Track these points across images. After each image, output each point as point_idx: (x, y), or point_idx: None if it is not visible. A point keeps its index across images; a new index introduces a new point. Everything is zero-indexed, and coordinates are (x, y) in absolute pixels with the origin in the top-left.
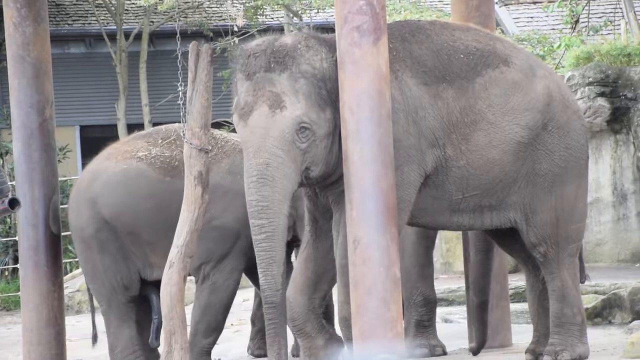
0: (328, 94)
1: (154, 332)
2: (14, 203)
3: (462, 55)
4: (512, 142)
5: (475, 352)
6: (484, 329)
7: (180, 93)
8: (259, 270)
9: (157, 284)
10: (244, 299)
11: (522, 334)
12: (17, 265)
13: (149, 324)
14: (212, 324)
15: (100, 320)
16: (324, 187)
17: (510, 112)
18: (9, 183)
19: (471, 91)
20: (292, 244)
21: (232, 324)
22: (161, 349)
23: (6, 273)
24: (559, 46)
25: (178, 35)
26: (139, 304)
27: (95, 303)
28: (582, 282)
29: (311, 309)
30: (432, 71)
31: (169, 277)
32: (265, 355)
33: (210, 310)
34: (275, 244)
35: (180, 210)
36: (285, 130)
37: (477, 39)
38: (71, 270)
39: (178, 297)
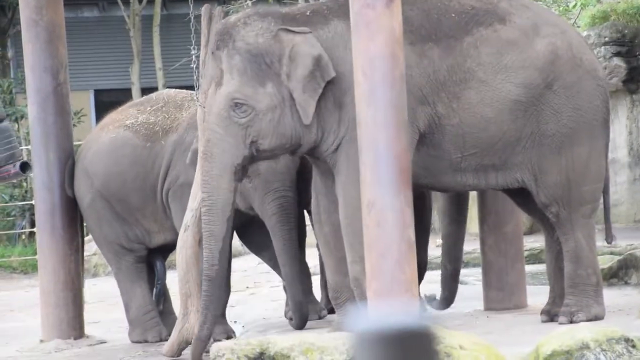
0: (268, 67)
1: (156, 297)
2: (25, 167)
3: (453, 15)
4: (506, 100)
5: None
6: (452, 296)
7: (194, 57)
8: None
9: (161, 250)
10: (259, 262)
11: (537, 295)
12: (34, 229)
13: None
14: None
15: (114, 283)
16: (316, 157)
17: (503, 70)
18: (23, 147)
19: (459, 50)
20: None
21: (247, 287)
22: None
23: (23, 237)
24: (574, 6)
25: None
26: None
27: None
28: (609, 243)
29: (349, 287)
30: (418, 30)
31: (184, 240)
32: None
33: None
34: (214, 217)
35: (160, 173)
36: (221, 107)
37: None
38: (87, 234)
39: (193, 260)
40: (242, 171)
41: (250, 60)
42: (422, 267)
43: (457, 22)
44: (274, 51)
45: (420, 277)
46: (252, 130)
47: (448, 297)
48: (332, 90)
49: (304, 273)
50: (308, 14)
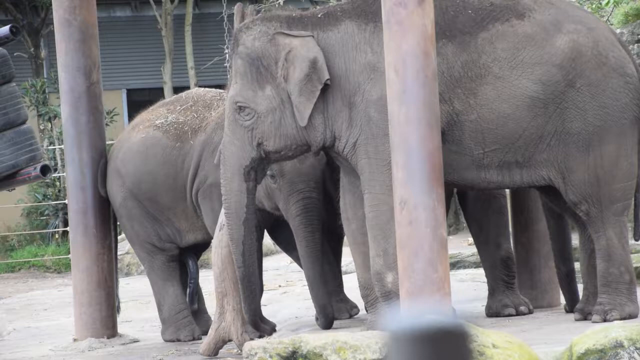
0: (266, 70)
1: (189, 296)
2: (45, 170)
3: (470, 11)
4: (523, 96)
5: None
6: (573, 296)
7: (227, 56)
8: None
9: (194, 249)
10: (291, 261)
11: None
12: (67, 228)
13: (186, 288)
14: None
15: (146, 282)
16: (337, 156)
17: (519, 66)
18: (57, 147)
19: (473, 46)
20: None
21: (279, 286)
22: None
23: (56, 236)
24: (607, 3)
25: None
26: (180, 268)
27: (139, 268)
28: (637, 240)
29: None
30: None
31: (220, 240)
32: None
33: None
34: (230, 220)
35: (190, 173)
36: (228, 111)
37: None
38: (120, 233)
39: (229, 259)
40: (255, 173)
41: (250, 63)
42: (510, 259)
43: (473, 19)
44: (270, 54)
45: (511, 272)
46: (257, 132)
47: (570, 298)
48: (341, 91)
49: (332, 272)
50: (320, 16)
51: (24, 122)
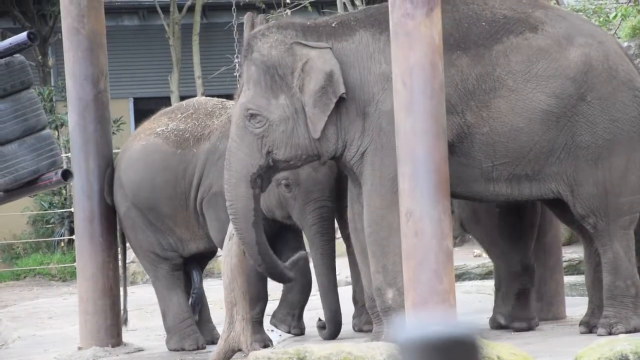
0: (281, 79)
1: (192, 305)
2: (66, 175)
3: (484, 23)
4: (537, 110)
5: None
6: None
7: (237, 65)
8: None
9: (198, 259)
10: None
11: (576, 306)
12: (73, 237)
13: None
14: (252, 295)
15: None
16: (344, 166)
17: (533, 79)
18: (63, 155)
19: (488, 58)
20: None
21: None
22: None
23: (62, 244)
24: (615, 17)
25: (234, 6)
26: (185, 278)
27: (145, 277)
28: None
29: None
30: (446, 39)
31: (229, 249)
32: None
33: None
34: (239, 225)
35: (193, 182)
36: (238, 117)
37: (512, 8)
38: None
39: (238, 268)
40: (262, 180)
41: (265, 71)
42: (530, 271)
43: (487, 31)
44: (286, 64)
45: (531, 282)
46: (267, 140)
47: None
48: (355, 101)
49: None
50: (334, 25)
51: (43, 128)
